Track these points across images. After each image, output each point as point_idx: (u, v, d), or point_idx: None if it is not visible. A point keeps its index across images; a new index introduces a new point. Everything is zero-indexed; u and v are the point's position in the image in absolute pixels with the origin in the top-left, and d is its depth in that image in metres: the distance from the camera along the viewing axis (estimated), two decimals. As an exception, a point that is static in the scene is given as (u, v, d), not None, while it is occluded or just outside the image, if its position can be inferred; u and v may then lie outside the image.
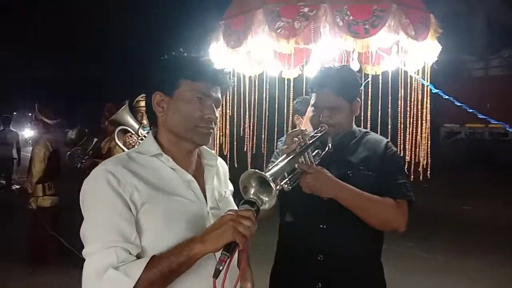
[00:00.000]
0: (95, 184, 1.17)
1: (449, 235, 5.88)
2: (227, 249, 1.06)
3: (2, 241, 5.37)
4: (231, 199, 1.42)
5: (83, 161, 4.37)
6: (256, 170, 1.17)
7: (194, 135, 1.25)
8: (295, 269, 1.69)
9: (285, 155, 1.42)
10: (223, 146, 3.08)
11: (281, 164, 1.33)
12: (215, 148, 3.00)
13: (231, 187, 1.47)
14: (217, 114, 1.29)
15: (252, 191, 1.17)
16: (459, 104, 2.92)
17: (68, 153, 4.68)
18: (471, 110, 3.27)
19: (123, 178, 1.16)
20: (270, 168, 1.28)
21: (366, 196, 1.57)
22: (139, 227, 1.15)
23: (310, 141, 1.52)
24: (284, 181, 1.41)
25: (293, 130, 1.56)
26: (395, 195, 1.62)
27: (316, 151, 1.62)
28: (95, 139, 4.94)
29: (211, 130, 1.28)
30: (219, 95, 1.29)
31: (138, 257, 1.13)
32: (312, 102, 1.75)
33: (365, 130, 1.85)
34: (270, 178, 1.15)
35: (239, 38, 2.38)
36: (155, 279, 1.08)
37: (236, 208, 1.32)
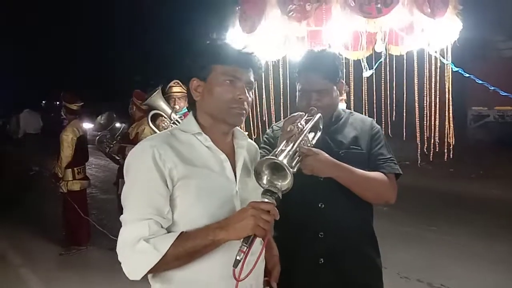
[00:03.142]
0: (140, 157, 1.28)
1: (475, 219, 5.77)
2: (246, 240, 1.16)
3: (36, 223, 5.63)
4: None
5: (111, 145, 4.50)
6: (271, 157, 1.22)
7: (227, 116, 1.34)
8: (297, 248, 1.77)
9: (285, 141, 1.45)
10: (252, 131, 3.12)
11: (288, 149, 1.36)
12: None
13: None
14: (250, 96, 1.37)
15: (265, 177, 1.23)
16: (480, 82, 2.85)
17: (97, 138, 4.83)
18: (504, 93, 3.18)
19: (165, 154, 1.26)
20: (277, 153, 1.31)
21: (361, 173, 1.66)
22: (173, 200, 1.27)
23: (308, 125, 1.57)
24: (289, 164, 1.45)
25: (292, 115, 1.60)
26: (385, 169, 1.72)
27: (311, 133, 1.67)
28: (123, 125, 5.08)
29: (244, 111, 1.36)
30: (251, 78, 1.37)
31: (168, 229, 1.25)
32: (299, 86, 1.80)
33: (349, 110, 1.93)
34: (286, 164, 1.20)
35: (253, 23, 2.40)
36: (181, 255, 1.20)
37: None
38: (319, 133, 1.68)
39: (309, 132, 1.64)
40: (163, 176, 1.24)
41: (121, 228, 1.24)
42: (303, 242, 1.75)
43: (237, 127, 1.45)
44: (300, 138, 1.48)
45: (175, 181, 1.26)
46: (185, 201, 1.26)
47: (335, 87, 1.78)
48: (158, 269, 1.21)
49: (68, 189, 4.82)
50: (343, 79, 1.85)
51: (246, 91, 1.35)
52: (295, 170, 1.45)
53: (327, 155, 1.59)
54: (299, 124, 1.53)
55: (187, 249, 1.19)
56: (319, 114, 1.68)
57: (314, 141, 1.64)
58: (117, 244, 1.23)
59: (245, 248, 1.14)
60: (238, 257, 1.14)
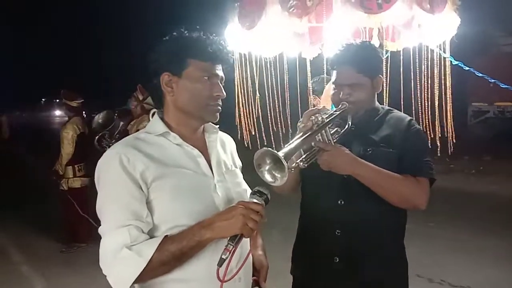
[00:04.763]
0: (108, 166, 1.24)
1: (474, 214, 5.78)
2: (233, 239, 1.14)
3: (38, 220, 5.64)
4: (238, 171, 1.47)
5: (110, 144, 4.49)
6: (270, 149, 1.22)
7: (205, 113, 1.32)
8: (314, 244, 1.74)
9: (301, 134, 1.45)
10: (249, 127, 3.13)
11: (295, 143, 1.36)
12: (245, 130, 3.06)
13: (239, 162, 1.52)
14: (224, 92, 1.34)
15: (267, 168, 1.24)
16: (480, 75, 2.85)
17: (97, 137, 4.83)
18: (504, 86, 3.17)
19: (134, 158, 1.22)
20: (285, 146, 1.32)
21: (385, 173, 1.57)
22: (149, 202, 1.22)
23: (328, 119, 1.53)
24: (300, 158, 1.46)
25: (311, 109, 1.57)
26: (416, 172, 1.61)
27: (336, 128, 1.63)
28: (122, 123, 5.07)
29: (220, 107, 1.34)
30: (223, 73, 1.34)
31: (150, 233, 1.21)
32: (332, 79, 1.74)
33: (388, 107, 1.83)
34: (282, 156, 1.20)
35: (253, 19, 2.40)
36: (167, 260, 1.15)
37: (243, 179, 1.44)
38: (348, 129, 1.63)
39: (334, 127, 1.61)
40: (135, 180, 1.20)
41: (101, 240, 1.19)
42: (320, 238, 1.71)
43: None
44: (315, 133, 1.47)
45: (149, 183, 1.21)
46: (162, 202, 1.22)
47: (371, 82, 1.68)
48: (145, 277, 1.16)
49: (68, 187, 4.83)
50: (382, 74, 1.75)
51: (221, 86, 1.32)
52: (305, 165, 1.45)
53: (347, 151, 1.54)
54: (319, 118, 1.49)
55: (173, 252, 1.15)
56: (344, 109, 1.63)
57: (338, 136, 1.59)
58: (99, 257, 1.18)
59: (231, 247, 1.13)
60: (223, 256, 1.12)
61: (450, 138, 2.74)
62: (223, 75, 1.34)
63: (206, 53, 1.28)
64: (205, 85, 1.28)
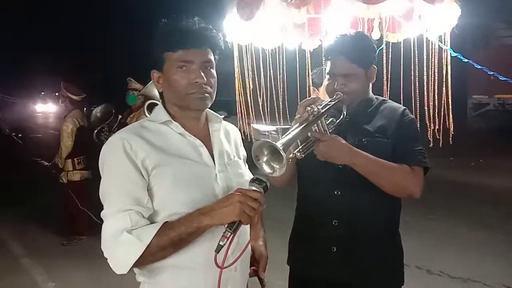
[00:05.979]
0: (112, 151, 1.26)
1: (474, 208, 5.79)
2: (231, 226, 1.14)
3: (39, 214, 5.65)
4: (241, 162, 1.47)
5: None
6: (268, 140, 1.23)
7: (189, 102, 1.31)
8: (311, 234, 1.75)
9: (297, 124, 1.45)
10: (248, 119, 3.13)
11: (293, 133, 1.37)
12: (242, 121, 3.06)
13: (243, 152, 1.53)
14: (212, 76, 1.31)
15: (265, 159, 1.25)
16: (478, 67, 2.84)
17: (95, 131, 4.82)
18: (503, 78, 3.16)
19: (136, 145, 1.25)
20: (282, 137, 1.32)
21: (380, 162, 1.58)
22: (150, 189, 1.24)
23: (323, 110, 1.54)
24: (297, 149, 1.47)
25: (306, 99, 1.56)
26: (410, 161, 1.63)
27: (331, 119, 1.64)
28: (120, 116, 5.05)
29: (206, 94, 1.30)
30: (208, 56, 1.30)
31: (150, 219, 1.23)
32: (327, 70, 1.75)
33: (383, 98, 1.84)
34: (281, 147, 1.20)
35: (252, 10, 2.39)
36: (166, 245, 1.18)
37: (247, 170, 1.43)
38: (343, 119, 1.64)
39: (329, 117, 1.62)
40: (137, 167, 1.22)
41: (103, 224, 1.21)
42: (317, 228, 1.72)
43: (209, 110, 1.41)
44: (311, 123, 1.47)
45: (149, 171, 1.24)
46: (162, 189, 1.24)
47: (365, 72, 1.70)
48: (144, 261, 1.18)
49: (68, 180, 4.84)
50: (375, 64, 1.76)
51: (202, 72, 1.28)
52: (302, 155, 1.45)
53: (343, 141, 1.55)
54: (315, 108, 1.50)
55: (171, 237, 1.17)
56: (338, 99, 1.63)
57: (333, 127, 1.60)
58: (101, 241, 1.20)
59: (229, 234, 1.13)
60: (221, 243, 1.13)
61: (442, 131, 2.74)
62: (208, 58, 1.29)
63: (175, 43, 1.27)
64: (181, 75, 1.28)
